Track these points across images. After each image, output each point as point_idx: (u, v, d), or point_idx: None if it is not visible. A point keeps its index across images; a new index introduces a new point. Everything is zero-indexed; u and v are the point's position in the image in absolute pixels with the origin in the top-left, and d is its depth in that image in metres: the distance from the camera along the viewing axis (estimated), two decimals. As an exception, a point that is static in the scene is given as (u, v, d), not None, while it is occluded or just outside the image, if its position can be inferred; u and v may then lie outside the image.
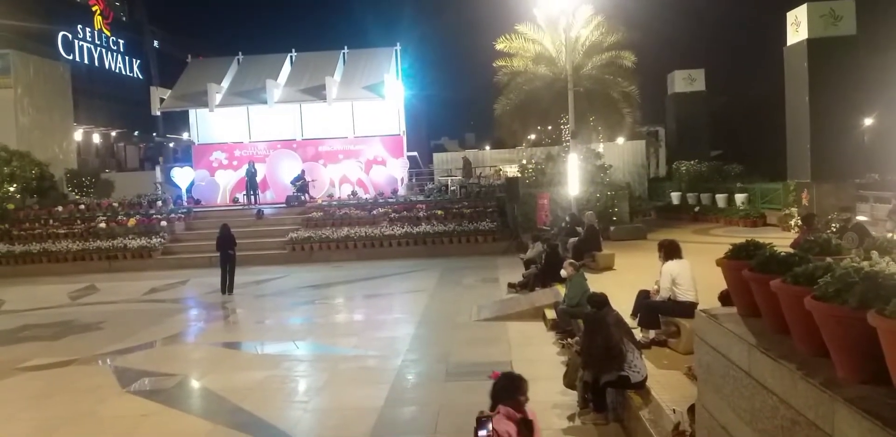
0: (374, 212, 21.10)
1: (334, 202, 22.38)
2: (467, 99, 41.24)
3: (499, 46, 22.26)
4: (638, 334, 7.10)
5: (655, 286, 7.63)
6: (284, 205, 22.74)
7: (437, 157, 32.08)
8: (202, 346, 10.66)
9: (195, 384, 8.35)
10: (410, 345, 9.65)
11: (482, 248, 19.27)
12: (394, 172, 25.22)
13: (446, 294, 13.61)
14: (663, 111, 32.55)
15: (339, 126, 26.08)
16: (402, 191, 24.30)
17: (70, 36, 48.77)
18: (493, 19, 24.69)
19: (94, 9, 53.95)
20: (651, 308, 7.46)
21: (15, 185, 22.68)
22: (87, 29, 51.67)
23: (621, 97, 22.31)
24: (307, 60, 27.30)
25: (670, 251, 7.46)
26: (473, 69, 35.06)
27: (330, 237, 19.78)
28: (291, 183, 23.48)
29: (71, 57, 46.60)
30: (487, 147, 38.13)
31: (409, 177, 26.18)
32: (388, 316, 12.25)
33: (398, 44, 27.62)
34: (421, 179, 27.53)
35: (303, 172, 23.79)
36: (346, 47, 27.48)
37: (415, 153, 28.38)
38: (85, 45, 50.79)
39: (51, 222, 21.29)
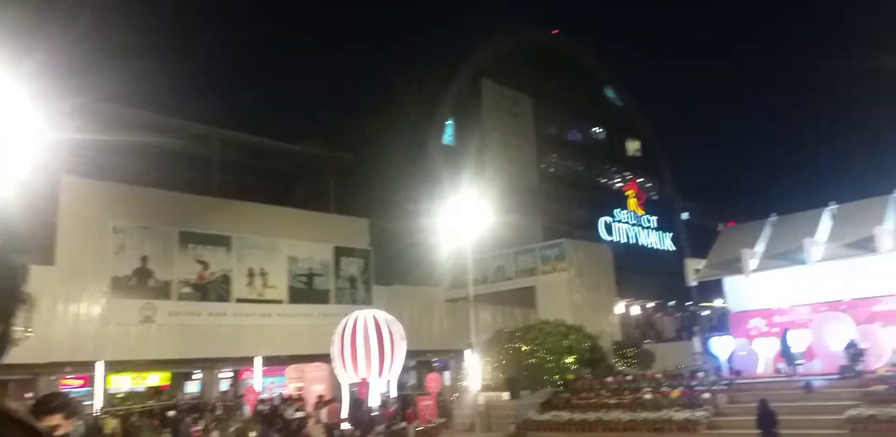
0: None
1: (905, 374, 18.35)
2: None
3: None
4: None
5: None
6: (837, 376, 19.72)
7: None
8: None
9: None
10: None
11: None
12: None
13: None
14: None
15: (899, 280, 22.13)
16: None
17: (609, 220, 56.30)
18: None
19: (627, 193, 61.83)
20: None
21: (573, 356, 25.61)
22: (623, 212, 59.01)
23: None
24: (850, 211, 24.65)
25: None
26: None
27: (906, 418, 15.95)
28: (844, 351, 20.40)
29: (610, 238, 53.19)
30: None
31: None
32: None
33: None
34: None
35: (855, 337, 20.49)
36: (896, 190, 23.99)
37: None
38: (621, 226, 57.68)
39: (602, 391, 22.90)
